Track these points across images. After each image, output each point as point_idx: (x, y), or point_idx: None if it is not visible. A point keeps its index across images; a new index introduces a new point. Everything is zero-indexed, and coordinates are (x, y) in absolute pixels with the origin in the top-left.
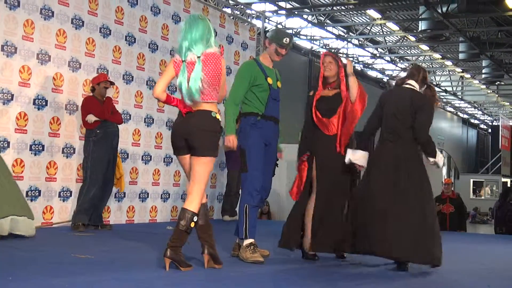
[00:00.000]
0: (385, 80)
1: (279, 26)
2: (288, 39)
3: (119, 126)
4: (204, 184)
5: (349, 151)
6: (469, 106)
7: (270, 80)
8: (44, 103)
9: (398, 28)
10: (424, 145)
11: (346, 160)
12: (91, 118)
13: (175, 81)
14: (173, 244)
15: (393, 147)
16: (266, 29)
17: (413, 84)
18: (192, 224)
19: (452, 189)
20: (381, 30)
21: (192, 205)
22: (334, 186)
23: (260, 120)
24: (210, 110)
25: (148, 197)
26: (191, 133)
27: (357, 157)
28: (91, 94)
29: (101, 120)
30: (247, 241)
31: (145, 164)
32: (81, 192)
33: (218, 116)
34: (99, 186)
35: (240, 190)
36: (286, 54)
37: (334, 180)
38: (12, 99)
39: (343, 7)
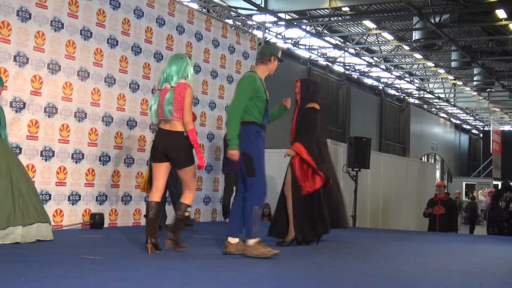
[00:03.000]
0: (380, 87)
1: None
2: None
3: (129, 132)
4: (193, 186)
5: None
6: (461, 112)
7: (267, 93)
8: (54, 111)
9: (392, 38)
10: None
11: None
12: None
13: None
14: (173, 229)
15: None
16: (266, 39)
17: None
18: (186, 214)
19: (446, 191)
20: (376, 40)
21: (187, 200)
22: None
23: (260, 130)
24: (182, 130)
25: None
26: (171, 151)
27: None
28: None
29: None
30: (256, 239)
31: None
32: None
33: (186, 134)
34: None
35: (247, 193)
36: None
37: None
38: (24, 107)
39: (340, 18)
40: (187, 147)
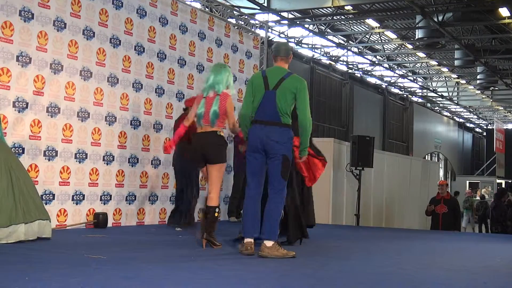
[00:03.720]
0: (383, 86)
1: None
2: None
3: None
4: (219, 185)
5: None
6: (464, 110)
7: None
8: (57, 111)
9: (396, 36)
10: None
11: None
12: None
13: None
14: (208, 230)
15: None
16: (269, 38)
17: None
18: (216, 214)
19: (448, 190)
20: (379, 39)
21: (212, 202)
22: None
23: None
24: (216, 130)
25: (157, 199)
26: (206, 148)
27: None
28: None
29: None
30: (274, 241)
31: (155, 168)
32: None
33: (222, 133)
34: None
35: (273, 195)
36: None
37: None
38: (27, 107)
39: (343, 17)
40: (222, 144)
